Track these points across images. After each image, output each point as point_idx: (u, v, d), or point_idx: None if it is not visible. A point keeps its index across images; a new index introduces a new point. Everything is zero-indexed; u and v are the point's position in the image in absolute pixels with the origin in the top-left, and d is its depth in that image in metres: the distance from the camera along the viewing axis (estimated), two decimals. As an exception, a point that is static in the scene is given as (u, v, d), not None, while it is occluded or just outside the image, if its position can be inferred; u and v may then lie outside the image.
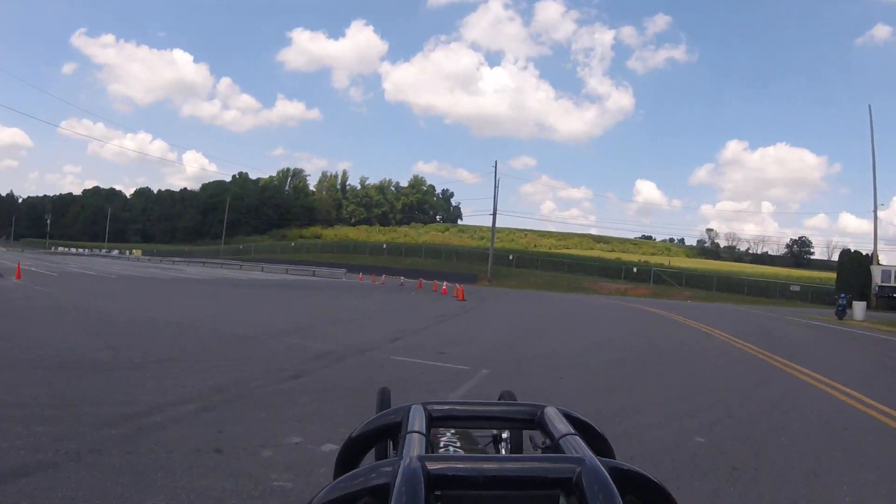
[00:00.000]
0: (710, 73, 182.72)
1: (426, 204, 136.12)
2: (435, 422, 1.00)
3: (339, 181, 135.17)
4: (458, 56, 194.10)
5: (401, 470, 0.69)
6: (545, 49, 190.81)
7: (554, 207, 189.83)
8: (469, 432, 1.45)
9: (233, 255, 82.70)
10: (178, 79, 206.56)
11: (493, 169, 62.22)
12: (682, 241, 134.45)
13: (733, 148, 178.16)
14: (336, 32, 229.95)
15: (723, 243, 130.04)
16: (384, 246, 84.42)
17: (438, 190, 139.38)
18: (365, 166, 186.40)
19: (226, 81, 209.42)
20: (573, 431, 0.89)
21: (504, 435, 1.46)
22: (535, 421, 1.00)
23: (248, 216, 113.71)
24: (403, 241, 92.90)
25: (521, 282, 56.94)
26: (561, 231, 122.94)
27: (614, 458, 0.83)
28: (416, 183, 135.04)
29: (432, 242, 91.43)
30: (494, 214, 61.35)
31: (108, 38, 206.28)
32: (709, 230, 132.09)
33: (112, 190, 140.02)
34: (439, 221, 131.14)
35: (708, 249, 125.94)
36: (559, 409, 1.00)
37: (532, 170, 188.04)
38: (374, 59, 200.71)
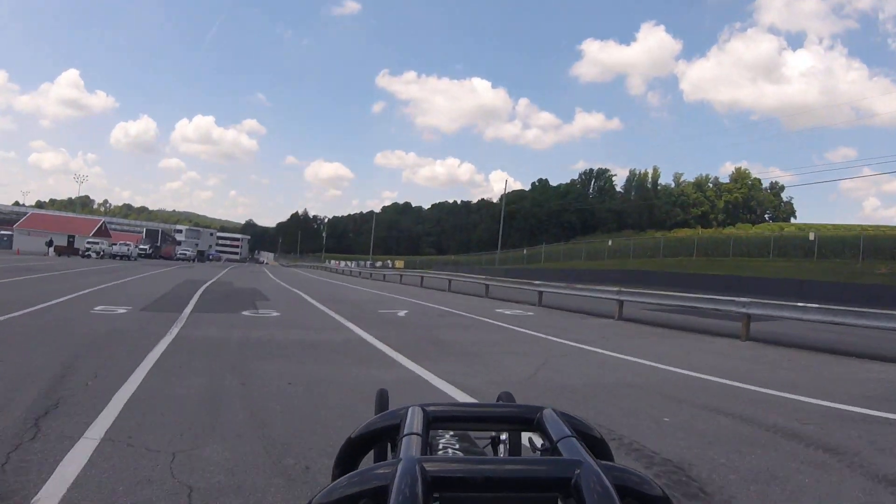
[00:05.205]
0: None
1: (752, 201, 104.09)
2: (433, 423, 0.90)
3: (650, 180, 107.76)
4: (756, 43, 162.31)
5: (399, 471, 0.63)
6: (850, 22, 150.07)
7: (878, 204, 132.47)
8: (468, 434, 1.29)
9: (513, 264, 53.55)
10: (479, 105, 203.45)
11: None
12: None
13: None
14: (626, 38, 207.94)
15: None
16: (811, 236, 39.16)
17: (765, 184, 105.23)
18: (669, 173, 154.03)
19: (524, 102, 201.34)
20: (572, 434, 0.80)
21: (503, 437, 1.30)
22: (534, 423, 0.89)
23: (549, 224, 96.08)
24: (833, 234, 45.77)
25: None
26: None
27: (613, 462, 0.76)
28: (740, 177, 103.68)
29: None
30: None
31: (410, 75, 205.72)
32: None
33: (407, 205, 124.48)
34: (768, 221, 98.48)
35: None
36: (557, 412, 0.89)
37: (853, 161, 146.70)
38: (668, 60, 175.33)
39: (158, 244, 64.05)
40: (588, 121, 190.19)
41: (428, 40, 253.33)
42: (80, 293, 13.81)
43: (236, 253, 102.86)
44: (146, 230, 72.34)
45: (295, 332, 9.00)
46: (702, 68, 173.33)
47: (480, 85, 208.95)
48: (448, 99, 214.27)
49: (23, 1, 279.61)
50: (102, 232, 66.59)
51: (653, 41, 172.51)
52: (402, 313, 12.92)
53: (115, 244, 51.68)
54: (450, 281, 23.36)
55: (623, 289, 13.04)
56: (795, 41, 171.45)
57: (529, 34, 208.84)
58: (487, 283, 19.87)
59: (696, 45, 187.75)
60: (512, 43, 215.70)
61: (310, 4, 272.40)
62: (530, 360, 7.38)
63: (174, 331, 8.52)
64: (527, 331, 10.50)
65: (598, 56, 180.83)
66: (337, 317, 11.55)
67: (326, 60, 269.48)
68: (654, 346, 9.38)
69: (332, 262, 76.30)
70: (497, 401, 1.30)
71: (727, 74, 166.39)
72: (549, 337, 9.75)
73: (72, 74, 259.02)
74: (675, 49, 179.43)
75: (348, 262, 69.61)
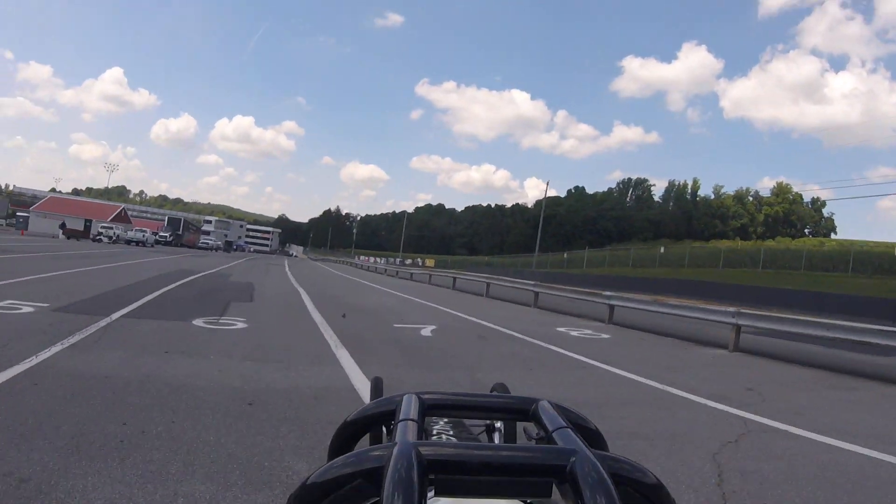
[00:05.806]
0: None
1: (793, 215, 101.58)
2: (428, 410, 0.87)
3: (690, 191, 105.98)
4: (798, 65, 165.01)
5: (394, 454, 0.62)
6: (894, 47, 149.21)
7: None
8: (462, 422, 1.28)
9: (551, 268, 49.83)
10: (517, 115, 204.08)
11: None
12: None
13: None
14: (668, 56, 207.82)
15: None
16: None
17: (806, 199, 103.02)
18: (708, 185, 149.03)
19: (562, 114, 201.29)
20: (567, 425, 0.78)
21: (497, 425, 1.24)
22: (530, 413, 0.86)
23: (584, 230, 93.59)
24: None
25: None
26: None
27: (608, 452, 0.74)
28: (781, 191, 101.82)
29: None
30: None
31: (450, 85, 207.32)
32: None
33: (441, 206, 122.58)
34: (808, 235, 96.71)
35: None
36: (553, 403, 0.86)
37: (892, 180, 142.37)
38: (709, 78, 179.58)
39: (180, 232, 61.55)
40: (626, 133, 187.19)
41: (469, 53, 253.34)
42: (11, 281, 10.43)
43: (266, 245, 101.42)
44: (168, 218, 70.82)
45: (244, 368, 5.26)
46: (743, 87, 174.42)
47: (519, 97, 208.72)
48: (486, 108, 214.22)
49: (73, 2, 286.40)
50: (121, 218, 63.39)
51: (694, 60, 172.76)
52: (427, 331, 9.03)
53: (132, 230, 49.12)
54: (488, 285, 19.40)
55: (743, 310, 8.98)
56: (838, 63, 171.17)
57: (570, 50, 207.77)
58: (537, 290, 15.78)
59: (737, 64, 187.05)
60: (552, 58, 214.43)
61: (352, 16, 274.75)
62: (680, 457, 3.53)
63: (45, 354, 4.96)
64: (626, 374, 6.53)
65: (639, 73, 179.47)
66: (328, 335, 7.69)
67: (367, 69, 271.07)
68: (848, 410, 5.46)
69: (361, 257, 73.18)
70: (490, 391, 1.22)
71: (769, 94, 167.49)
72: (675, 390, 5.77)
73: (116, 72, 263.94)
74: (716, 68, 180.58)
75: (377, 259, 66.36)
